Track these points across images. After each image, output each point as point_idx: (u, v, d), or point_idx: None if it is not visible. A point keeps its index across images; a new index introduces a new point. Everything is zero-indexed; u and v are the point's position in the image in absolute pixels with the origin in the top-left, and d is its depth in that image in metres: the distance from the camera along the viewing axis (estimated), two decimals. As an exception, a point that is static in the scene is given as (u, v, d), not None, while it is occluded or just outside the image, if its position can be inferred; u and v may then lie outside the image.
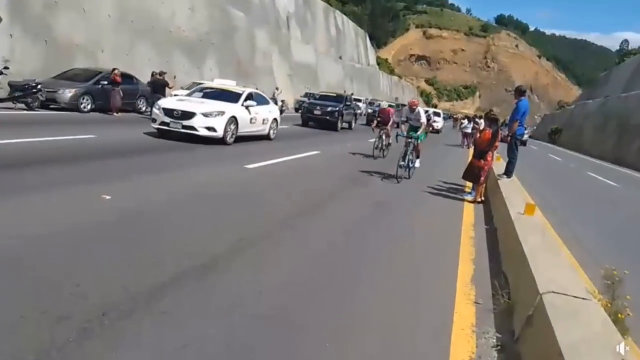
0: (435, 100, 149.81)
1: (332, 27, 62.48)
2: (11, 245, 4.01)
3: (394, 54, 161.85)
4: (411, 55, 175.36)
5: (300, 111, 26.47)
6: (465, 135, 24.02)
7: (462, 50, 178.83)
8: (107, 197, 5.78)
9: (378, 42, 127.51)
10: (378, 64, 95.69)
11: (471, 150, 14.10)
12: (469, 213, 8.17)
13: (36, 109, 14.88)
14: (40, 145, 8.74)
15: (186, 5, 29.13)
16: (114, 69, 17.40)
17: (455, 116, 63.19)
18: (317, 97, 26.08)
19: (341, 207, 7.40)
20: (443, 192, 9.81)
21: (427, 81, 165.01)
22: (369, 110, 43.87)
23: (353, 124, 25.91)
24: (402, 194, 9.35)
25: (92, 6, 21.75)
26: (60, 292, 3.31)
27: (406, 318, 3.77)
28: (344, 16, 69.10)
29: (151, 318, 3.16)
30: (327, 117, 22.43)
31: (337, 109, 22.86)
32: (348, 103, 25.04)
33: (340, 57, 62.97)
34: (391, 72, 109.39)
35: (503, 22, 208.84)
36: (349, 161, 13.12)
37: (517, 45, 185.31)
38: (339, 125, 22.80)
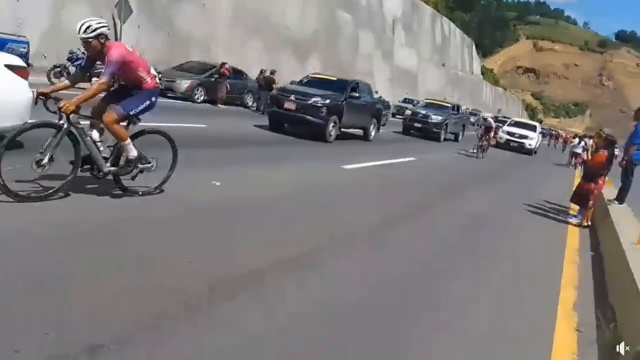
0: (540, 115, 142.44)
1: (438, 33, 61.44)
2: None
3: (500, 65, 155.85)
4: (518, 67, 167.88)
5: (400, 117, 25.20)
6: (574, 155, 22.54)
7: (575, 65, 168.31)
8: (217, 184, 6.24)
9: (484, 51, 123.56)
10: (482, 73, 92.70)
11: (578, 171, 13.38)
12: (574, 237, 7.78)
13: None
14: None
15: (297, 6, 30.06)
16: (223, 63, 18.36)
17: (555, 132, 53.07)
18: (424, 104, 23.86)
19: (436, 217, 7.37)
20: (546, 212, 9.39)
21: (533, 95, 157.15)
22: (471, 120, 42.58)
23: (460, 136, 23.53)
24: (502, 210, 9.09)
25: (211, 2, 23.10)
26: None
27: (503, 341, 3.72)
28: (451, 23, 67.68)
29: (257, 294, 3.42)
30: (430, 127, 20.45)
31: (441, 119, 20.64)
32: (455, 112, 22.92)
33: (444, 64, 61.78)
34: (496, 82, 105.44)
35: (624, 38, 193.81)
36: (445, 170, 12.95)
37: (638, 64, 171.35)
38: (442, 136, 20.72)
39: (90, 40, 4.52)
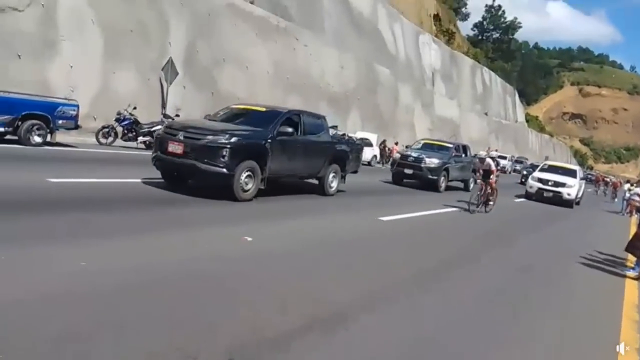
0: (591, 162, 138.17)
1: (479, 83, 61.49)
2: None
3: (546, 111, 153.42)
4: (564, 113, 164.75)
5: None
6: (630, 202, 21.12)
7: (624, 109, 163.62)
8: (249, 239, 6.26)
9: (528, 98, 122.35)
10: (527, 120, 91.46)
11: (634, 218, 12.60)
12: (632, 292, 7.19)
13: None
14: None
15: (336, 64, 30.91)
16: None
17: (600, 176, 47.43)
18: (419, 145, 19.24)
19: (478, 272, 7.06)
20: (600, 264, 8.79)
21: (581, 141, 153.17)
22: (516, 168, 41.43)
23: (472, 183, 18.20)
24: (551, 261, 8.67)
25: (253, 64, 24.05)
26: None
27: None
28: (492, 72, 67.72)
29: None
30: (425, 174, 16.41)
31: (438, 163, 16.59)
32: (458, 154, 18.37)
33: (486, 113, 61.39)
34: (541, 129, 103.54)
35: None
36: (485, 219, 12.57)
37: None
38: (441, 184, 16.61)
39: None
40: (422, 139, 21.78)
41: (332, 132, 12.62)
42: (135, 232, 5.76)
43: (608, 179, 42.84)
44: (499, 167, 16.32)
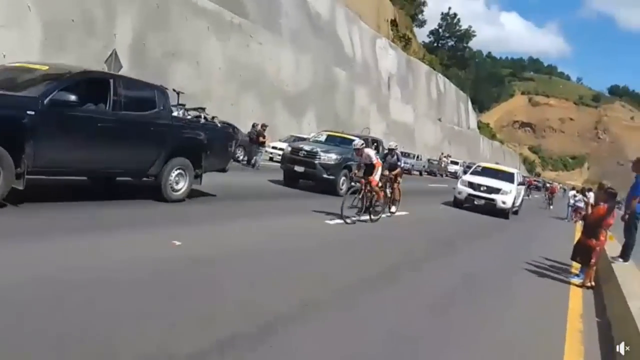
0: (539, 169, 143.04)
1: (434, 89, 62.41)
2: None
3: (497, 119, 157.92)
4: (515, 122, 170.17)
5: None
6: (576, 210, 21.59)
7: (571, 119, 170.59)
8: (178, 243, 5.74)
9: (480, 106, 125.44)
10: (479, 128, 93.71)
11: (579, 225, 12.72)
12: (577, 300, 7.05)
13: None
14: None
15: (292, 62, 30.47)
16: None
17: (549, 184, 45.66)
18: (323, 138, 15.53)
19: (426, 276, 6.82)
20: (545, 271, 8.67)
21: (530, 149, 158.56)
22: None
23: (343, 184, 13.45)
24: (496, 268, 8.49)
25: (205, 59, 23.32)
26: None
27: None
28: (446, 79, 68.93)
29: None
30: (319, 173, 13.06)
31: (337, 159, 13.13)
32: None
33: (440, 119, 62.37)
34: (493, 136, 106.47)
35: (617, 92, 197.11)
36: (439, 222, 12.43)
37: (632, 117, 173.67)
38: (341, 187, 13.20)
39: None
40: (325, 131, 17.22)
41: (179, 112, 8.83)
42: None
43: (544, 184, 42.14)
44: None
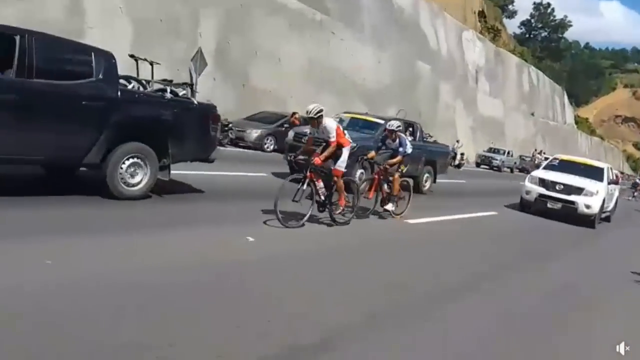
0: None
1: (526, 82, 59.20)
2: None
3: (597, 114, 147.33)
4: (617, 116, 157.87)
5: (485, 166, 17.92)
6: None
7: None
8: (251, 239, 5.67)
9: (578, 100, 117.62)
10: (577, 122, 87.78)
11: None
12: None
13: (226, 146, 16.07)
14: (219, 179, 9.21)
15: (374, 59, 30.04)
16: (293, 113, 18.25)
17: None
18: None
19: (508, 290, 6.00)
20: None
21: (635, 145, 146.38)
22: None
23: (428, 181, 13.70)
24: (600, 279, 7.61)
25: (286, 57, 23.48)
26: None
27: None
28: (539, 72, 65.14)
29: None
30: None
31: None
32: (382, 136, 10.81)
33: (532, 114, 59.06)
34: (592, 132, 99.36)
35: None
36: (532, 225, 11.49)
37: None
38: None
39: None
40: (346, 112, 14.06)
41: (134, 85, 7.56)
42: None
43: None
44: (404, 151, 8.90)
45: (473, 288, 5.48)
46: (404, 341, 3.66)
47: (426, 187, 13.56)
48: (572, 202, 12.35)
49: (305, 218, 6.86)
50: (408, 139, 9.27)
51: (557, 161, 14.89)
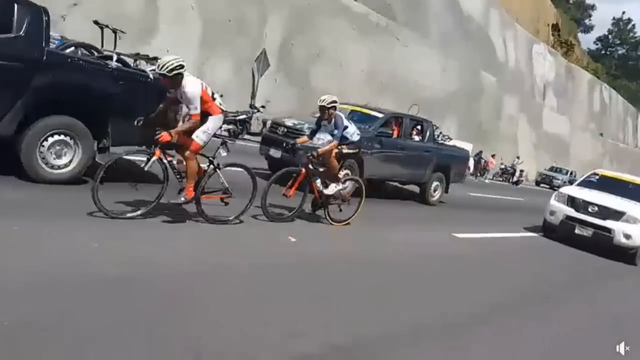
0: None
1: (597, 100, 56.63)
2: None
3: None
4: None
5: (545, 185, 16.51)
6: None
7: None
8: (293, 240, 5.74)
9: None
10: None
11: None
12: None
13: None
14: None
15: (437, 66, 29.63)
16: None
17: None
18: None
19: (565, 313, 5.74)
20: None
21: None
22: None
23: (439, 190, 12.12)
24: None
25: (348, 61, 23.56)
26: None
27: None
28: (612, 90, 62.13)
29: None
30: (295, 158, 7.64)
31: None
32: (393, 132, 10.56)
33: (601, 134, 56.45)
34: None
35: None
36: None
37: None
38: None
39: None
40: (346, 103, 10.50)
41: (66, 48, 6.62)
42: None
43: None
44: (348, 136, 7.03)
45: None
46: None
47: (435, 198, 11.79)
48: (608, 230, 9.80)
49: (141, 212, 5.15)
50: (351, 123, 7.01)
51: (597, 177, 11.93)
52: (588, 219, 10.01)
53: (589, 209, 10.09)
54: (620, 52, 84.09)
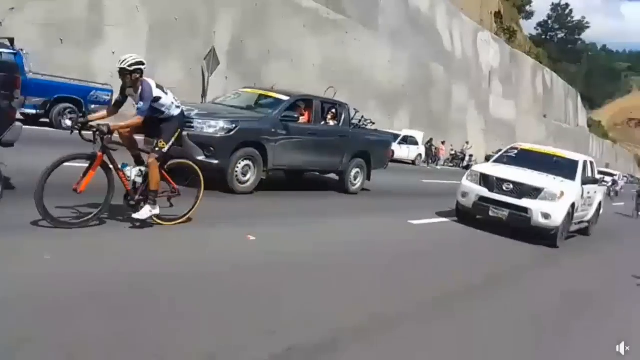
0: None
1: (540, 84, 58.81)
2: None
3: (611, 117, 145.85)
4: (630, 120, 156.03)
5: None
6: None
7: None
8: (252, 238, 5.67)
9: (592, 103, 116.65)
10: (589, 126, 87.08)
11: None
12: None
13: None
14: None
15: (388, 59, 30.05)
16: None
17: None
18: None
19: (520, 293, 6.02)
20: None
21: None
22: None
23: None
24: (609, 284, 7.52)
25: (300, 56, 23.61)
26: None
27: None
28: (554, 74, 64.64)
29: None
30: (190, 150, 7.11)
31: (226, 128, 7.69)
32: (295, 117, 9.08)
33: (545, 116, 58.71)
34: (604, 135, 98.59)
35: None
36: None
37: None
38: (231, 175, 7.87)
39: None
40: (245, 87, 11.45)
41: None
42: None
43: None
44: (142, 103, 5.10)
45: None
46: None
47: (355, 186, 10.61)
48: (524, 209, 8.64)
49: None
50: (168, 93, 5.32)
51: (516, 151, 10.71)
52: (502, 199, 8.82)
53: (504, 188, 8.89)
54: (559, 36, 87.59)
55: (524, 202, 8.70)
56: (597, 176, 11.98)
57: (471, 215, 9.49)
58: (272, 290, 4.32)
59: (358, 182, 10.66)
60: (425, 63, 34.33)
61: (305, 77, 23.57)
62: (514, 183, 8.88)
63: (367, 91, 27.87)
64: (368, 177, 10.91)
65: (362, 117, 11.22)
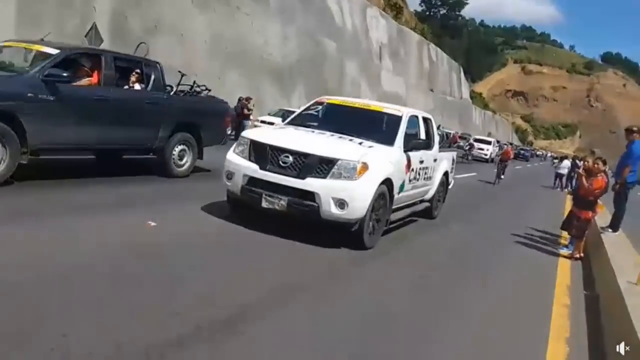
0: (531, 138, 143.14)
1: (426, 59, 61.65)
2: None
3: (490, 89, 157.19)
4: (507, 91, 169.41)
5: None
6: (558, 176, 22.24)
7: (563, 87, 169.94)
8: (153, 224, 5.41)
9: (473, 76, 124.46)
10: (472, 98, 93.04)
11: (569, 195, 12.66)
12: (564, 272, 7.01)
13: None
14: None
15: (279, 34, 29.77)
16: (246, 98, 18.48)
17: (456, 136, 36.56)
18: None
19: (410, 250, 6.58)
20: (532, 242, 8.63)
21: (523, 118, 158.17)
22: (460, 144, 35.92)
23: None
24: (483, 240, 8.37)
25: (190, 32, 22.67)
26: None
27: None
28: (438, 49, 68.03)
29: None
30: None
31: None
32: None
33: (432, 90, 61.80)
34: (485, 106, 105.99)
35: (610, 60, 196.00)
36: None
37: (624, 85, 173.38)
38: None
39: None
40: (8, 41, 7.98)
41: None
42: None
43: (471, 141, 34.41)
44: None
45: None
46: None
47: (183, 168, 8.69)
48: (310, 195, 5.54)
49: None
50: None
51: (320, 107, 7.53)
52: (278, 180, 5.63)
53: (281, 162, 5.69)
54: (442, 12, 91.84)
55: (309, 184, 5.51)
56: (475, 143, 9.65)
57: (237, 203, 6.26)
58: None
59: (186, 163, 8.65)
60: (317, 38, 34.49)
61: (196, 53, 22.78)
62: (294, 153, 5.64)
63: (261, 68, 27.54)
64: (200, 156, 8.88)
65: (194, 82, 9.58)
